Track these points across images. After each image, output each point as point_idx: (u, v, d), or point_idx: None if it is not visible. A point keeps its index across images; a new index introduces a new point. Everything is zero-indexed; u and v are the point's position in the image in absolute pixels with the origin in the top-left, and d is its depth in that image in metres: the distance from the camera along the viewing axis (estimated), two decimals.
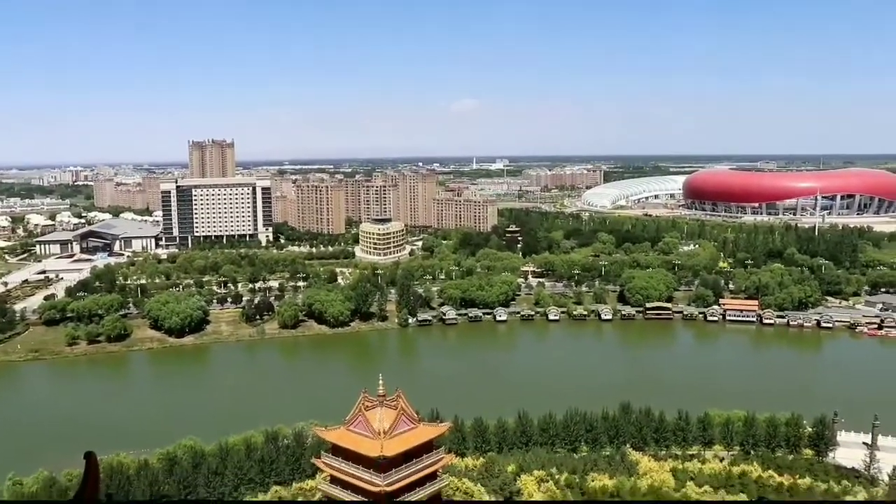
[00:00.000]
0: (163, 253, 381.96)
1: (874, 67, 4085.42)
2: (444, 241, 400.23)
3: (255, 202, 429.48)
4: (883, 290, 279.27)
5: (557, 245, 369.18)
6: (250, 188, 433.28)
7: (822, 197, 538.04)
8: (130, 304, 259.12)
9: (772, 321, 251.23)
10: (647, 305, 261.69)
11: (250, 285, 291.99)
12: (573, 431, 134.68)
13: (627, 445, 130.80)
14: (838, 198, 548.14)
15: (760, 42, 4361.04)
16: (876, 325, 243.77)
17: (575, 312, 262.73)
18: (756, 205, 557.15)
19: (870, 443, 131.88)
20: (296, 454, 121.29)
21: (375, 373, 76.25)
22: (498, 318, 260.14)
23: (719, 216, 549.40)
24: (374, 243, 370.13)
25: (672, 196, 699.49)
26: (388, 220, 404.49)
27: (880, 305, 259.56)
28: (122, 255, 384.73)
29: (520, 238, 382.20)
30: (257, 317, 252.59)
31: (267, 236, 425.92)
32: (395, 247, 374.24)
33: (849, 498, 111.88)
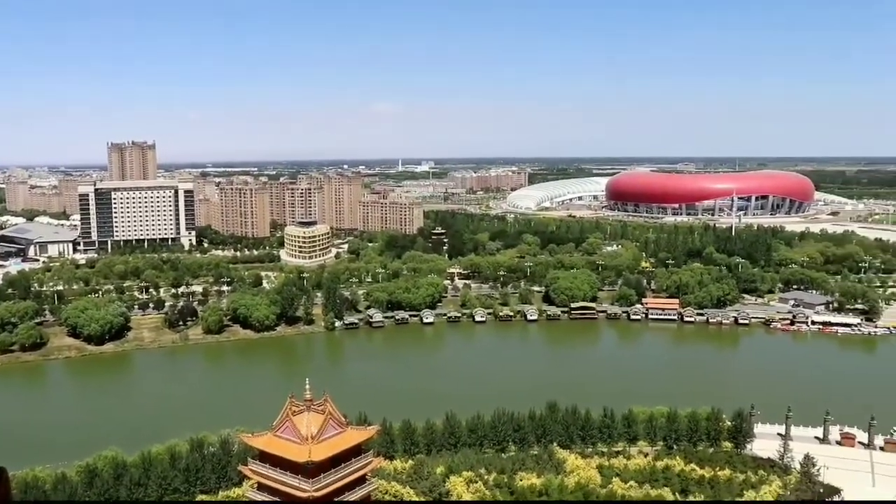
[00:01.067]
0: (81, 258, 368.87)
1: (787, 71, 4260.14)
2: (370, 244, 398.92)
3: (177, 205, 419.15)
4: (795, 287, 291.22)
5: (483, 247, 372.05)
6: (172, 191, 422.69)
7: (738, 198, 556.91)
8: (47, 312, 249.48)
9: (692, 319, 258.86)
10: (572, 305, 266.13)
11: (173, 290, 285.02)
12: (501, 432, 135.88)
13: (555, 444, 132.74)
14: (753, 199, 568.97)
15: (676, 44, 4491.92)
16: (788, 321, 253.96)
17: (501, 313, 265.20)
18: (676, 206, 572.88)
19: (784, 433, 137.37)
20: (222, 462, 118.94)
21: (302, 377, 75.52)
22: (425, 320, 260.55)
23: (641, 217, 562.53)
24: (300, 246, 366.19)
25: (595, 198, 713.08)
26: (314, 223, 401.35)
27: (792, 302, 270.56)
28: (38, 260, 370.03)
29: (446, 240, 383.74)
30: (180, 322, 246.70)
31: (190, 240, 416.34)
32: (320, 250, 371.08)
33: (764, 486, 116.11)
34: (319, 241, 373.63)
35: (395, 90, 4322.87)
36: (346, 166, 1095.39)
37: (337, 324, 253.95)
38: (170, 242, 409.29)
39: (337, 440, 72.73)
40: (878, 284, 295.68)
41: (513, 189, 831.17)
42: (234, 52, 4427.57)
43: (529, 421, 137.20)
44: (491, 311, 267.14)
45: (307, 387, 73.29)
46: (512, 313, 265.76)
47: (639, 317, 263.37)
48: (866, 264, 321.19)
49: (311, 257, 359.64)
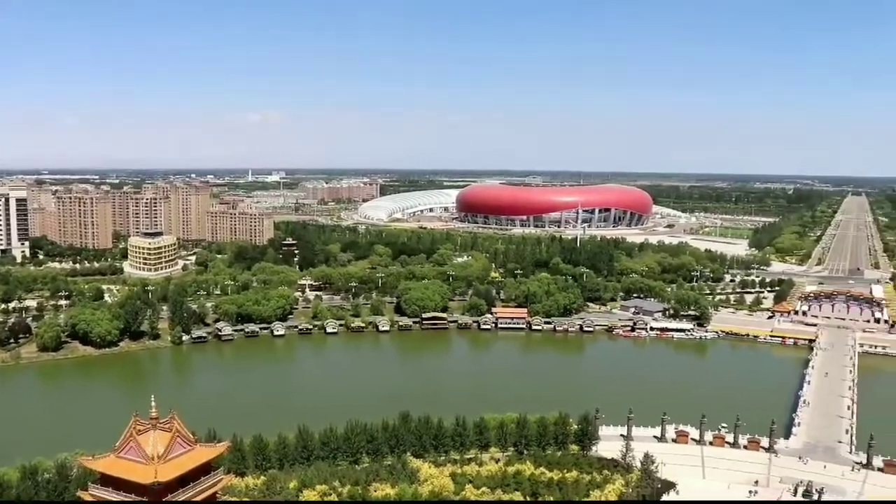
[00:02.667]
0: None
1: (629, 85, 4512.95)
2: (219, 255, 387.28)
3: (8, 214, 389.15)
4: (635, 295, 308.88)
5: (334, 258, 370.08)
6: (2, 199, 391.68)
7: (583, 210, 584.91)
8: None
9: (540, 327, 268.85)
10: (424, 316, 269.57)
11: (3, 305, 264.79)
12: (354, 443, 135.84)
13: (408, 454, 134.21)
14: (597, 211, 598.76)
15: (514, 56, 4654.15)
16: (629, 328, 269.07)
17: (353, 325, 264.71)
18: (524, 217, 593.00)
19: (625, 434, 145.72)
20: (59, 489, 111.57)
21: (148, 394, 73.01)
22: (275, 332, 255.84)
23: (491, 228, 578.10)
24: (145, 258, 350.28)
25: (446, 209, 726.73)
26: (160, 234, 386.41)
27: (633, 309, 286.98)
28: None
29: (297, 251, 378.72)
30: (12, 340, 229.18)
31: (23, 251, 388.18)
32: (166, 262, 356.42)
33: (608, 486, 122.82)
34: (165, 252, 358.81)
35: (247, 100, 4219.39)
36: (194, 175, 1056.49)
37: (184, 338, 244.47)
38: (0, 254, 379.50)
39: (185, 459, 70.78)
40: (708, 292, 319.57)
41: (364, 200, 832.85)
42: (80, 56, 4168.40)
43: (383, 431, 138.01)
44: (343, 322, 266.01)
45: (153, 404, 70.97)
46: (364, 324, 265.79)
47: (489, 326, 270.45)
48: (698, 273, 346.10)
49: (156, 269, 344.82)
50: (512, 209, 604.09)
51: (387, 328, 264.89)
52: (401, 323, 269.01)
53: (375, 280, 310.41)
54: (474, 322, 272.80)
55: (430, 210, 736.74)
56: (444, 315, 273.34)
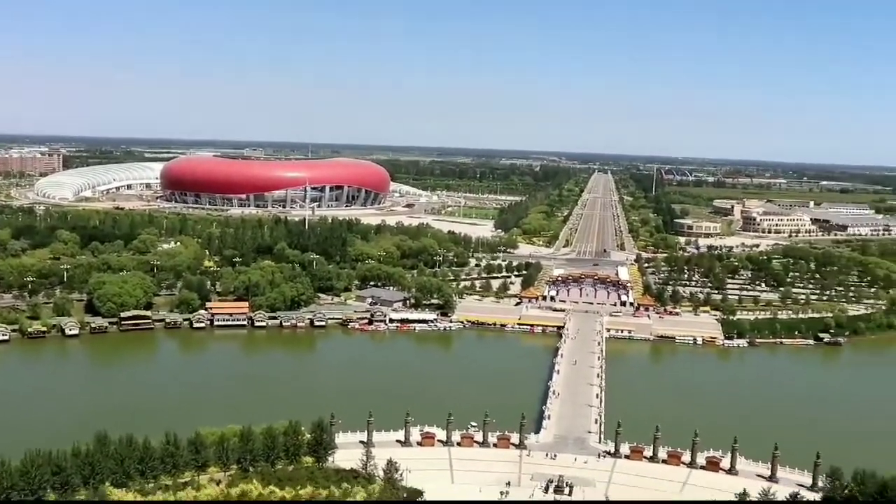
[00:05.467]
0: None
1: (353, 61, 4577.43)
2: None
3: None
4: (372, 283, 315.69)
5: (4, 247, 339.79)
6: None
7: (312, 188, 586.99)
8: None
9: (264, 323, 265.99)
10: (123, 315, 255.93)
11: None
12: (35, 478, 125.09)
13: (107, 483, 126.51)
14: (328, 189, 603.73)
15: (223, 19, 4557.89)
16: (366, 320, 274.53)
17: (31, 329, 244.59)
18: (244, 196, 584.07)
19: (366, 441, 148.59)
20: None
21: None
22: None
23: (203, 209, 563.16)
24: None
25: (148, 186, 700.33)
26: None
27: (370, 299, 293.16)
28: None
29: None
30: None
31: None
32: None
33: (348, 499, 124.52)
34: None
35: None
36: None
37: None
38: None
39: None
40: (452, 278, 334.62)
41: (43, 175, 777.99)
42: None
43: (73, 459, 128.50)
44: (16, 327, 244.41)
45: None
46: (45, 328, 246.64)
47: (203, 324, 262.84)
48: (441, 258, 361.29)
49: None
50: (228, 186, 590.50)
51: (75, 332, 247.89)
52: (94, 324, 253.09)
53: (60, 273, 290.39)
54: (185, 320, 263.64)
55: (129, 187, 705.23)
56: (147, 313, 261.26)
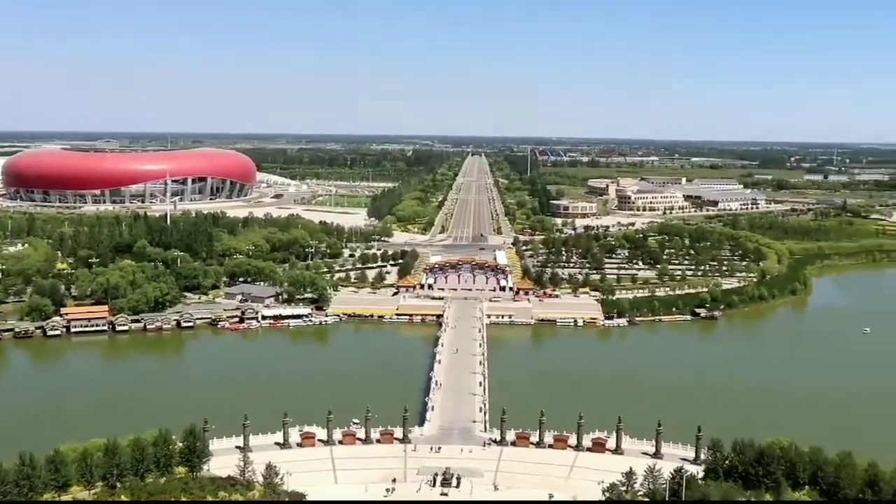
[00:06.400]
0: None
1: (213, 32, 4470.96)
2: None
3: None
4: (241, 279, 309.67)
5: None
6: None
7: (173, 181, 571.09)
8: None
9: (126, 327, 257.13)
10: None
11: None
12: None
13: None
14: (190, 181, 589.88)
15: None
16: (237, 319, 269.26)
17: None
18: (98, 192, 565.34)
19: (242, 445, 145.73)
20: None
21: None
22: None
23: (53, 207, 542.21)
24: None
25: None
26: None
27: (240, 296, 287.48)
28: None
29: None
30: None
31: None
32: None
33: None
34: None
35: None
36: None
37: None
38: None
39: None
40: (326, 270, 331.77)
41: None
42: None
43: None
44: None
45: None
46: None
47: (58, 332, 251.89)
48: (313, 250, 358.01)
49: None
50: (81, 182, 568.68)
51: None
52: None
53: None
54: (38, 328, 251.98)
55: None
56: None
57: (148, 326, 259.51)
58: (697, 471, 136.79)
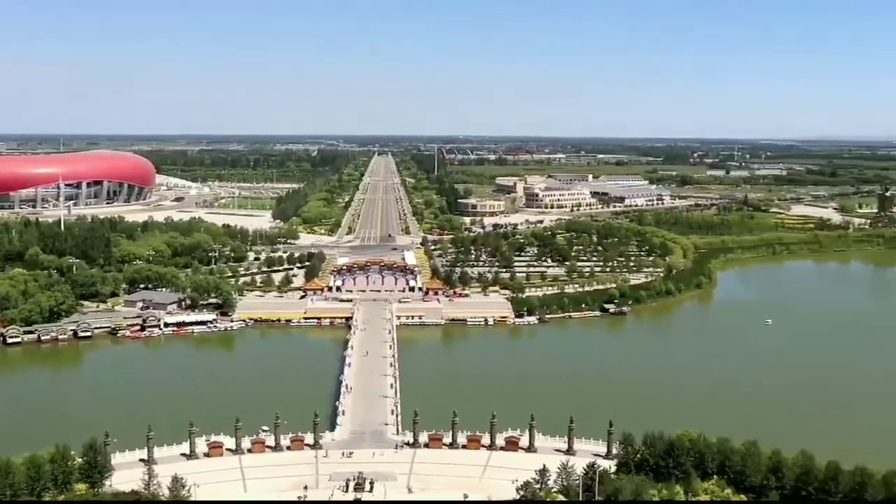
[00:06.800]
0: None
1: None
2: None
3: None
4: (142, 286, 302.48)
5: None
6: None
7: (66, 185, 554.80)
8: None
9: (18, 339, 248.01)
10: None
11: None
12: None
13: None
14: (85, 185, 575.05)
15: None
16: (138, 327, 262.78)
17: None
18: None
19: (146, 458, 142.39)
20: None
21: None
22: None
23: None
24: None
25: None
26: None
27: (141, 304, 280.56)
28: None
29: None
30: None
31: None
32: None
33: None
34: None
35: None
36: None
37: None
38: None
39: None
40: (230, 274, 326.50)
41: None
42: None
43: None
44: None
45: None
46: None
47: None
48: (216, 254, 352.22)
49: None
50: None
51: None
52: None
53: None
54: None
55: None
56: None
57: (42, 338, 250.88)
58: (610, 465, 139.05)
